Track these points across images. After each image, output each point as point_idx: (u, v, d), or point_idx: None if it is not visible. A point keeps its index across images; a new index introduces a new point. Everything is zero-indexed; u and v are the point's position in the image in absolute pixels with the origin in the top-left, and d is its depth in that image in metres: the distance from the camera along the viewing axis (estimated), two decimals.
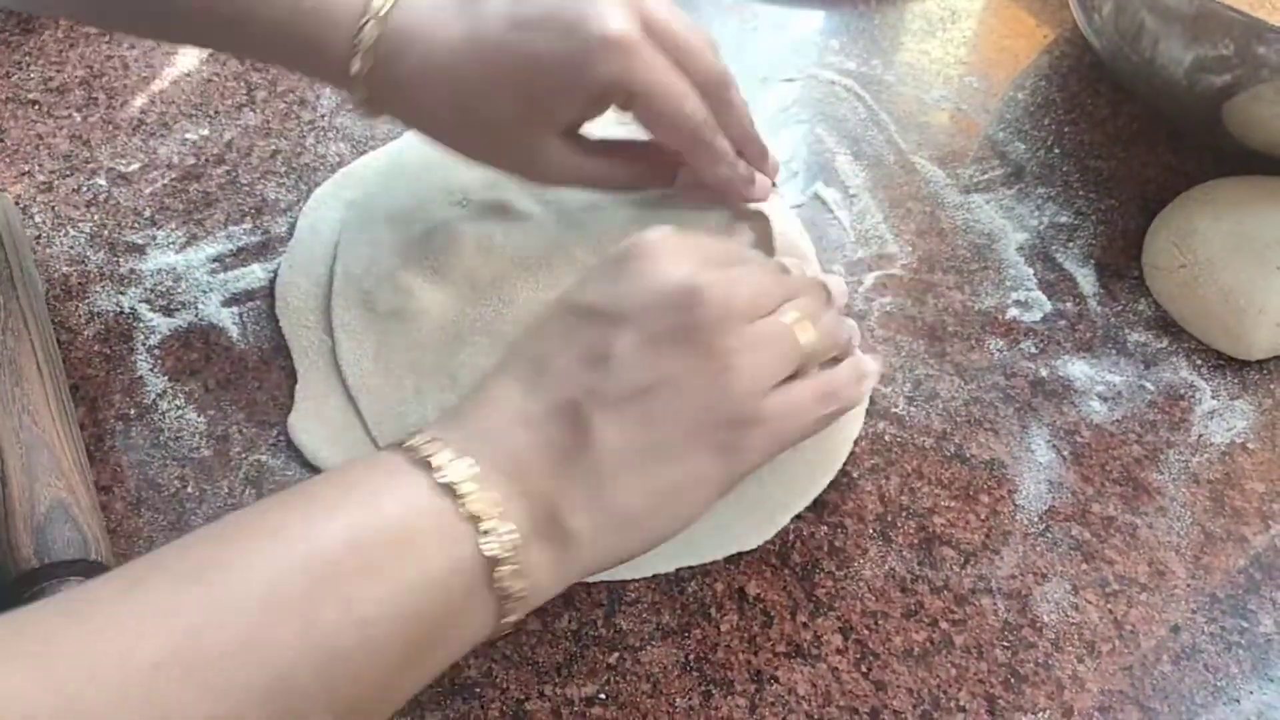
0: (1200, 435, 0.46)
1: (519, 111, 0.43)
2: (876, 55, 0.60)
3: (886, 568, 0.43)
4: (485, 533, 0.32)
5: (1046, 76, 0.59)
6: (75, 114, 0.57)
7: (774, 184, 0.48)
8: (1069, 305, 0.50)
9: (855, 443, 0.46)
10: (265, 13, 0.43)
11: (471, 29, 0.43)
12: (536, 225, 0.51)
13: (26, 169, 0.55)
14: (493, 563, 0.32)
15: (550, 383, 0.36)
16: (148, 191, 0.54)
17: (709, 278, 0.37)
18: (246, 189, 0.54)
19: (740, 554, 0.43)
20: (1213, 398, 0.47)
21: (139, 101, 0.58)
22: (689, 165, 0.47)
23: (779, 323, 0.38)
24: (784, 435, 0.38)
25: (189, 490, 0.45)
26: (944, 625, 0.41)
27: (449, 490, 0.32)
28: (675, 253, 0.38)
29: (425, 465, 0.33)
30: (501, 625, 0.33)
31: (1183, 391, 0.48)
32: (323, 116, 0.57)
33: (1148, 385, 0.48)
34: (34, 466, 0.42)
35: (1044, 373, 0.48)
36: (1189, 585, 0.43)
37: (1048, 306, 0.50)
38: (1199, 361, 0.48)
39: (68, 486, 0.42)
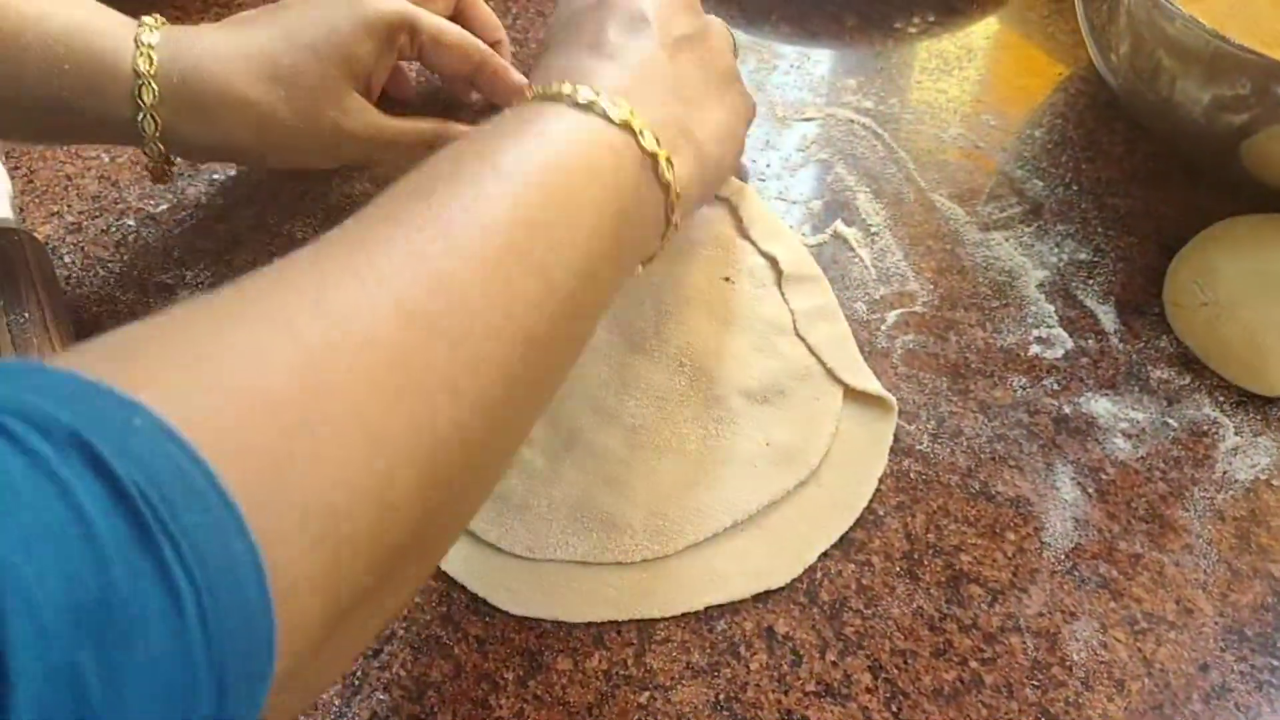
0: (1225, 472, 0.47)
1: (318, 74, 0.48)
2: (893, 94, 0.61)
3: (914, 606, 0.43)
4: (638, 132, 0.38)
5: (1062, 114, 0.60)
6: (103, 154, 0.58)
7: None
8: (1090, 342, 0.51)
9: (880, 480, 0.46)
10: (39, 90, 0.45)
11: (243, 22, 0.49)
12: None
13: (55, 209, 0.56)
14: (654, 158, 0.39)
15: (619, 48, 0.42)
16: (176, 232, 0.55)
17: None
18: (274, 229, 0.55)
19: (768, 592, 0.43)
20: (1236, 434, 0.48)
21: None
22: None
23: (715, 19, 0.49)
24: (748, 100, 0.49)
25: None
26: (973, 664, 0.42)
27: (602, 114, 0.38)
28: None
29: (574, 105, 0.38)
30: (671, 225, 0.42)
31: (1206, 428, 0.48)
32: None
33: (1171, 422, 0.48)
34: None
35: (1067, 410, 0.48)
36: (1217, 623, 0.43)
37: (1069, 343, 0.51)
38: (1221, 398, 0.49)
39: None
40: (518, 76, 0.55)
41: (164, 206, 0.56)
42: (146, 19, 0.47)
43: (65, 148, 0.58)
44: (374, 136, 0.50)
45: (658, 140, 0.39)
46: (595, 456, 0.46)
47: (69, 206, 0.56)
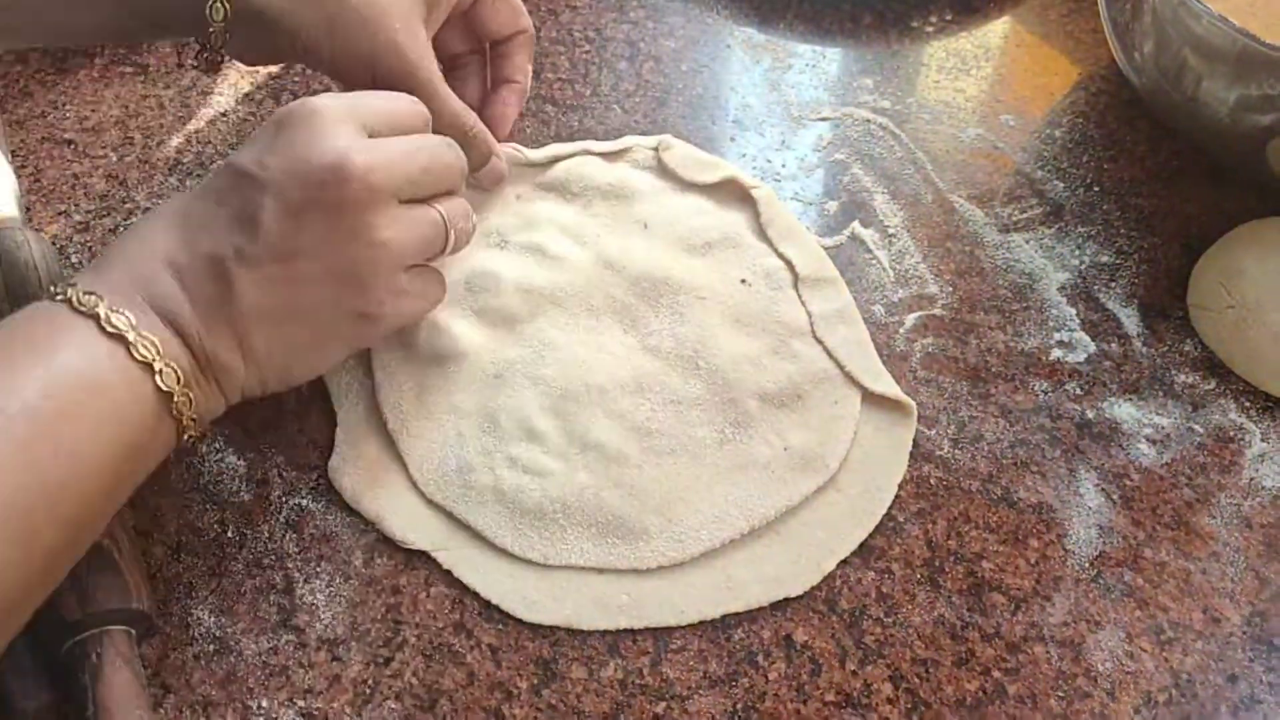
0: (1251, 479, 0.46)
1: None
2: (910, 93, 0.60)
3: (936, 614, 0.42)
4: (158, 372, 0.37)
5: (1083, 114, 0.59)
6: (111, 153, 0.58)
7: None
8: (1113, 346, 0.50)
9: (900, 486, 0.45)
10: None
11: None
12: (574, 266, 0.51)
13: (63, 209, 0.55)
14: (168, 395, 0.37)
15: (202, 237, 0.39)
16: None
17: (363, 154, 0.39)
18: None
19: (786, 600, 0.42)
20: (1263, 440, 0.47)
21: (175, 141, 0.58)
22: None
23: (428, 211, 0.42)
24: (414, 312, 0.45)
25: (229, 535, 0.44)
26: (996, 674, 0.41)
27: (118, 338, 0.36)
28: (334, 122, 0.40)
29: (90, 317, 0.36)
30: (186, 440, 0.39)
31: (1232, 434, 0.47)
32: None
33: (1196, 428, 0.47)
34: None
35: (1090, 415, 0.48)
36: (1245, 633, 0.42)
37: (1091, 347, 0.50)
38: (1248, 404, 0.48)
39: (109, 533, 0.42)
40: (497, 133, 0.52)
41: None
42: None
43: (72, 146, 0.58)
44: (422, 80, 0.47)
45: (179, 377, 0.37)
46: (609, 460, 0.45)
47: (76, 206, 0.55)
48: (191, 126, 0.59)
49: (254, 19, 0.46)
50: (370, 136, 0.41)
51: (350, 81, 0.47)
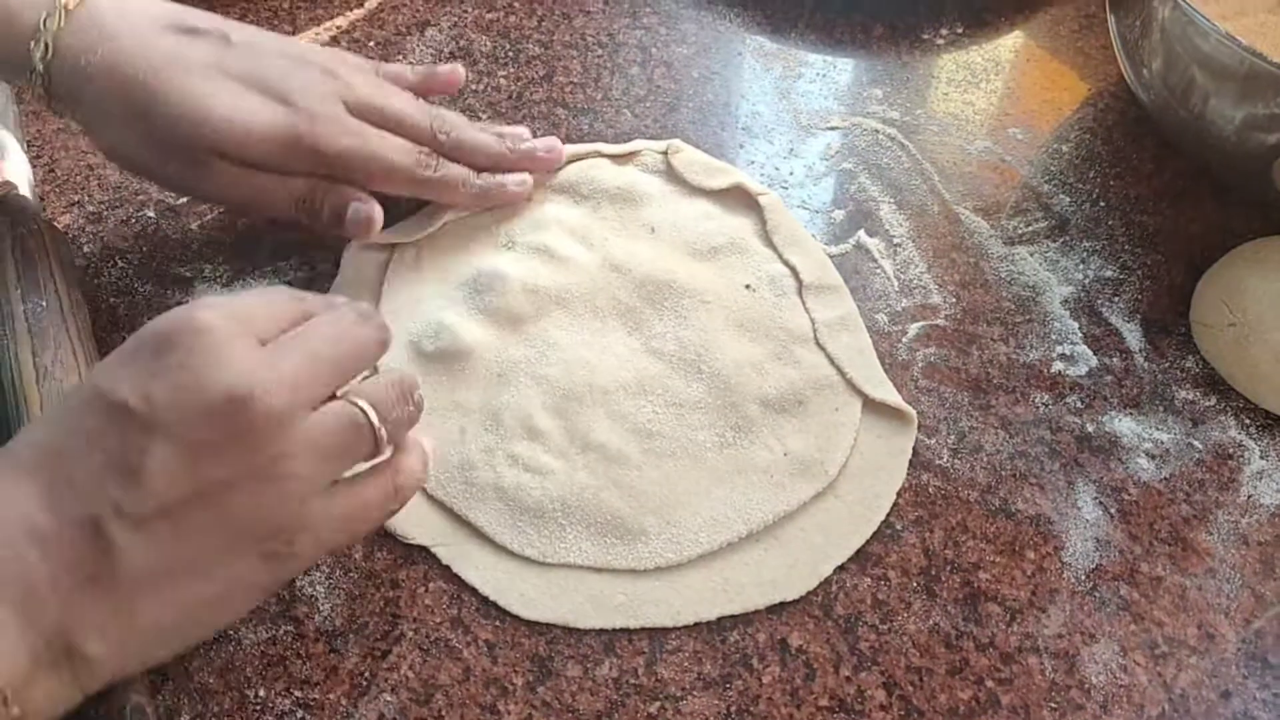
0: (1250, 496, 0.46)
1: (185, 145, 0.45)
2: (919, 105, 0.60)
3: (931, 622, 0.42)
4: None
5: (1091, 130, 0.59)
6: None
7: (546, 153, 0.54)
8: (1115, 360, 0.50)
9: (899, 494, 0.45)
10: None
11: (172, 51, 0.45)
12: (581, 267, 0.51)
13: (76, 199, 0.56)
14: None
15: (70, 494, 0.32)
16: (195, 225, 0.55)
17: (262, 379, 0.33)
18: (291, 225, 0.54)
19: (782, 604, 0.43)
20: (1262, 458, 0.47)
21: None
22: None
23: (345, 412, 0.36)
24: (340, 539, 0.37)
25: None
26: (990, 684, 0.41)
27: None
28: (227, 341, 0.34)
29: None
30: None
31: (1231, 451, 0.47)
32: None
33: (1196, 444, 0.47)
34: None
35: (1090, 428, 0.48)
36: (1239, 650, 0.42)
37: (1093, 361, 0.50)
38: (1248, 421, 0.48)
39: None
40: (470, 191, 0.51)
41: (185, 199, 0.56)
42: None
43: (85, 137, 0.58)
44: (235, 196, 0.48)
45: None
46: (609, 460, 0.45)
47: (90, 196, 0.56)
48: None
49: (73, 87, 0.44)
50: (265, 343, 0.35)
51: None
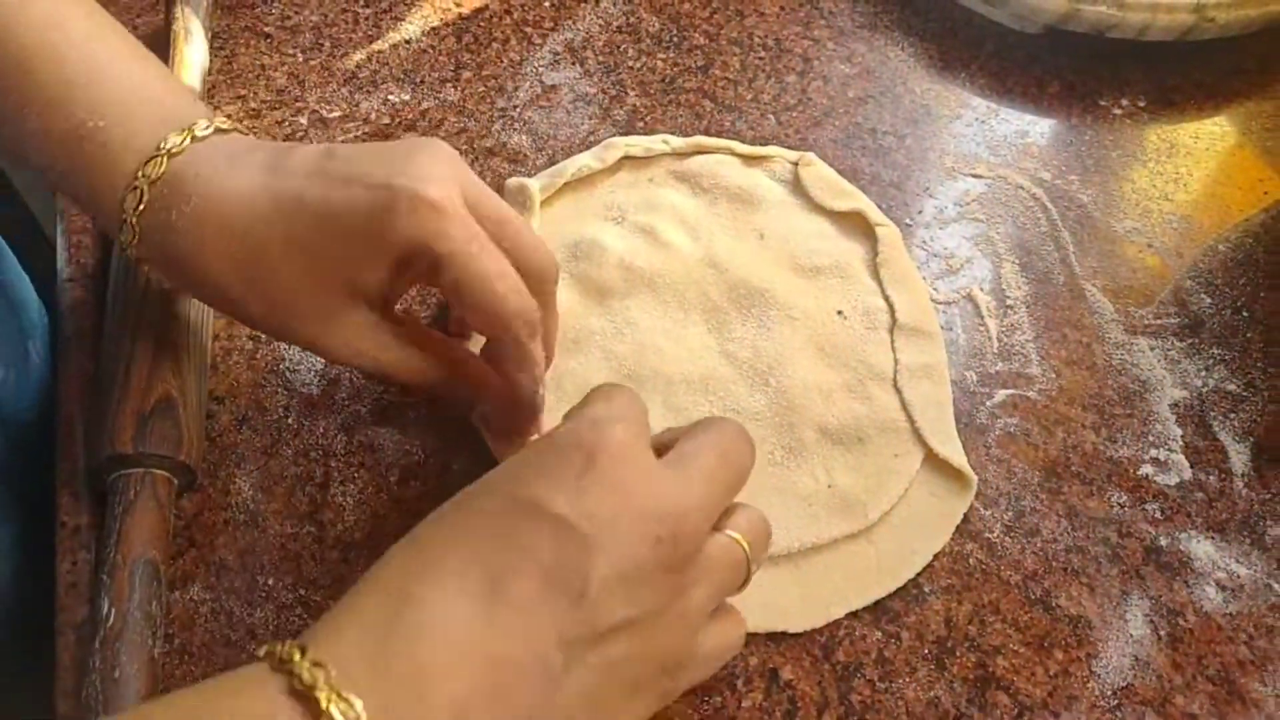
0: None
1: (310, 276, 0.38)
2: (1076, 171, 0.57)
3: (932, 694, 0.40)
4: None
5: (1255, 234, 0.55)
6: (299, 54, 0.61)
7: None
8: (1212, 479, 0.46)
9: (936, 557, 0.43)
10: (51, 125, 0.38)
11: (268, 181, 0.38)
12: (680, 256, 0.51)
13: (243, 94, 0.59)
14: None
15: (514, 614, 0.29)
16: (339, 139, 0.57)
17: (686, 503, 0.32)
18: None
19: (783, 634, 0.41)
20: None
21: (357, 56, 0.61)
22: (492, 383, 0.42)
23: (731, 545, 0.34)
24: (704, 675, 0.36)
25: (289, 421, 0.47)
26: None
27: None
28: (647, 465, 0.33)
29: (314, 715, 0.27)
30: None
31: None
32: (515, 107, 0.59)
33: (1276, 586, 0.43)
34: (160, 363, 0.45)
35: (1164, 542, 0.44)
36: None
37: (1187, 473, 0.46)
38: None
39: (180, 388, 0.44)
40: (532, 389, 0.41)
41: (337, 114, 0.58)
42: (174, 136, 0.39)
43: (269, 40, 0.62)
44: (361, 363, 0.40)
45: None
46: None
47: (255, 94, 0.59)
48: (375, 46, 0.62)
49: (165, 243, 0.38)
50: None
51: None
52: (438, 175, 0.37)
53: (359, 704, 0.27)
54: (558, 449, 0.33)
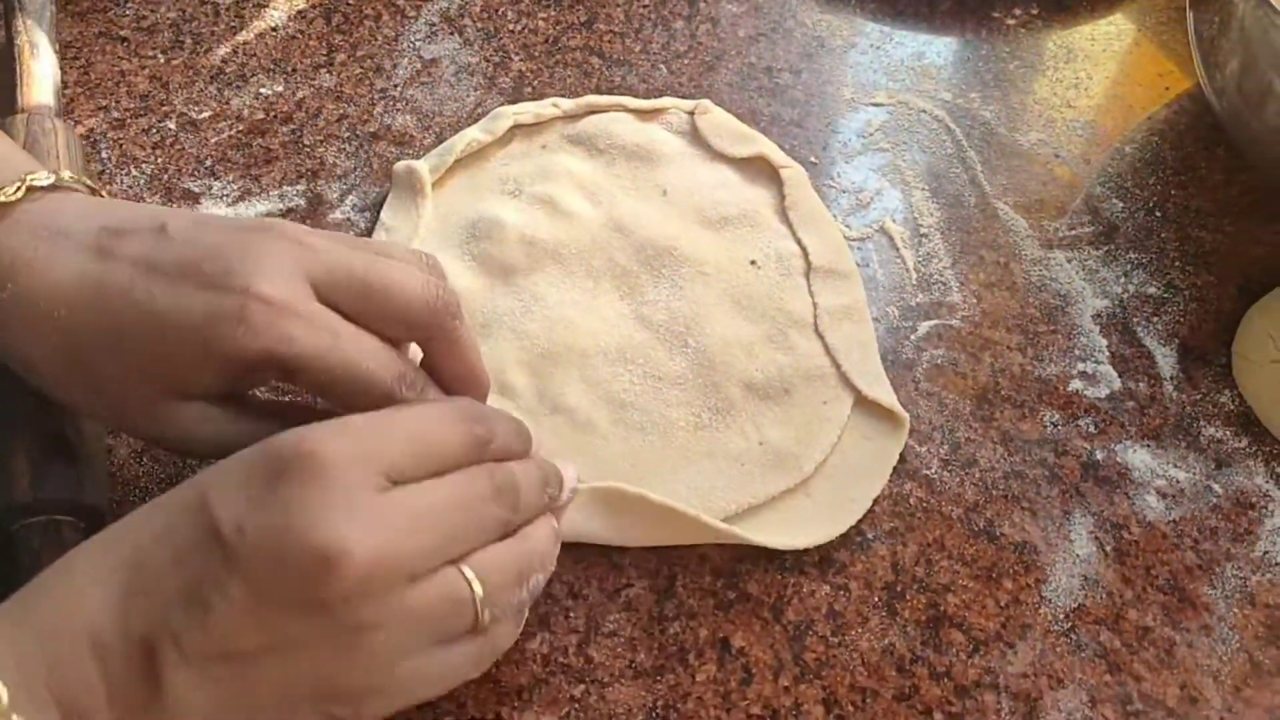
0: (1266, 552, 0.41)
1: (138, 374, 0.35)
2: (976, 88, 0.56)
3: (886, 642, 0.39)
4: None
5: (1160, 132, 0.54)
6: (160, 55, 0.58)
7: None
8: (1141, 386, 0.46)
9: (876, 501, 0.42)
10: None
11: (94, 268, 0.34)
12: (582, 223, 0.49)
13: (104, 104, 0.56)
14: None
15: (139, 609, 0.29)
16: (213, 141, 0.54)
17: (368, 538, 0.29)
18: (308, 150, 0.54)
19: (730, 601, 0.40)
20: None
21: (222, 50, 0.58)
22: None
23: (450, 585, 0.31)
24: (410, 702, 0.33)
25: None
26: (938, 716, 0.38)
27: None
28: (344, 488, 0.30)
29: None
30: None
31: (1254, 499, 0.43)
32: (395, 86, 0.56)
33: (1215, 487, 0.43)
34: (47, 402, 0.42)
35: (1100, 456, 0.44)
36: (1222, 718, 0.38)
37: (1117, 384, 0.46)
38: (1279, 469, 0.43)
39: (74, 426, 0.42)
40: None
41: (206, 114, 0.55)
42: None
43: (125, 44, 0.58)
44: (206, 450, 0.36)
45: None
46: (576, 427, 0.43)
47: (117, 103, 0.56)
48: (240, 38, 0.59)
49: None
50: (397, 482, 0.31)
51: None
52: (275, 269, 0.33)
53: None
54: (261, 455, 0.31)
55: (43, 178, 0.36)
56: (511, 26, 0.59)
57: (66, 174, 0.38)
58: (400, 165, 0.51)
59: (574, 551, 0.41)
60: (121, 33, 0.59)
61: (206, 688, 0.29)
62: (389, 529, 0.30)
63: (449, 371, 0.38)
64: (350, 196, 0.51)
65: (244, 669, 0.30)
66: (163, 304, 0.33)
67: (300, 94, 0.56)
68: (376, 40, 0.58)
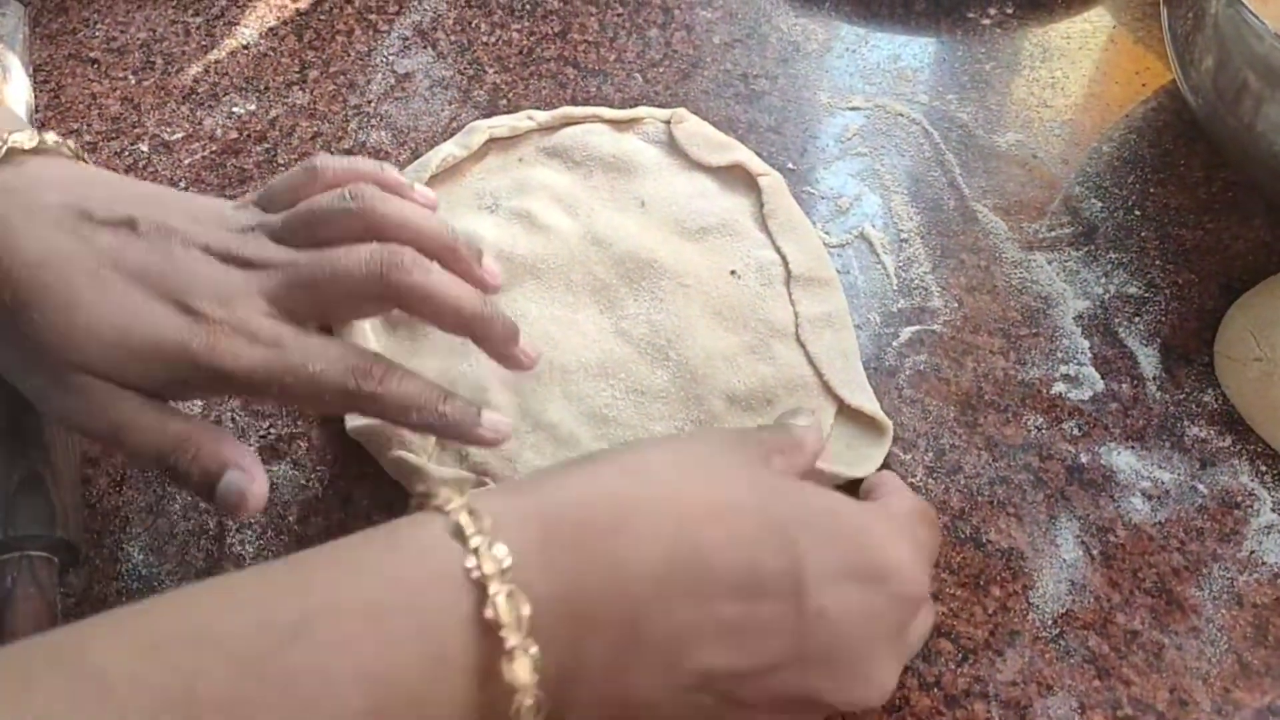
0: (1252, 552, 0.41)
1: (83, 351, 0.35)
2: (953, 90, 0.56)
3: None
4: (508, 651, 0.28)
5: (1138, 130, 0.54)
6: (131, 77, 0.57)
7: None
8: (1124, 387, 0.46)
9: None
10: None
11: (63, 246, 0.35)
12: (560, 238, 0.48)
13: (76, 128, 0.55)
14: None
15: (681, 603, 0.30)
16: (186, 162, 0.54)
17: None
18: (282, 169, 0.53)
19: None
20: (1273, 510, 0.42)
21: (194, 70, 0.58)
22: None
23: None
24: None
25: None
26: None
27: (479, 586, 0.28)
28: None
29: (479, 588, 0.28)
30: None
31: (1240, 499, 0.43)
32: (369, 102, 0.56)
33: (1200, 487, 0.43)
34: (15, 435, 0.41)
35: (1084, 459, 0.44)
36: None
37: (1099, 385, 0.46)
38: (1264, 468, 0.43)
39: (45, 458, 0.41)
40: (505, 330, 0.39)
41: (179, 135, 0.55)
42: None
43: (95, 65, 0.58)
44: (89, 430, 0.36)
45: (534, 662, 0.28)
46: (558, 442, 0.43)
47: (89, 126, 0.55)
48: (212, 56, 0.58)
49: None
50: None
51: None
52: (228, 292, 0.36)
53: (503, 549, 0.28)
54: (848, 550, 0.33)
55: (25, 139, 0.37)
56: (485, 39, 0.58)
57: (50, 137, 0.39)
58: None
59: None
60: (92, 54, 0.58)
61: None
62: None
63: (451, 319, 0.38)
64: None
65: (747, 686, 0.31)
66: (121, 299, 0.35)
67: (273, 112, 0.56)
68: (349, 56, 0.58)
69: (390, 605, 0.28)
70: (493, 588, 0.28)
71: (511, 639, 0.28)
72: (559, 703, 0.29)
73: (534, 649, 0.28)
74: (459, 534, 0.29)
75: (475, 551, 0.28)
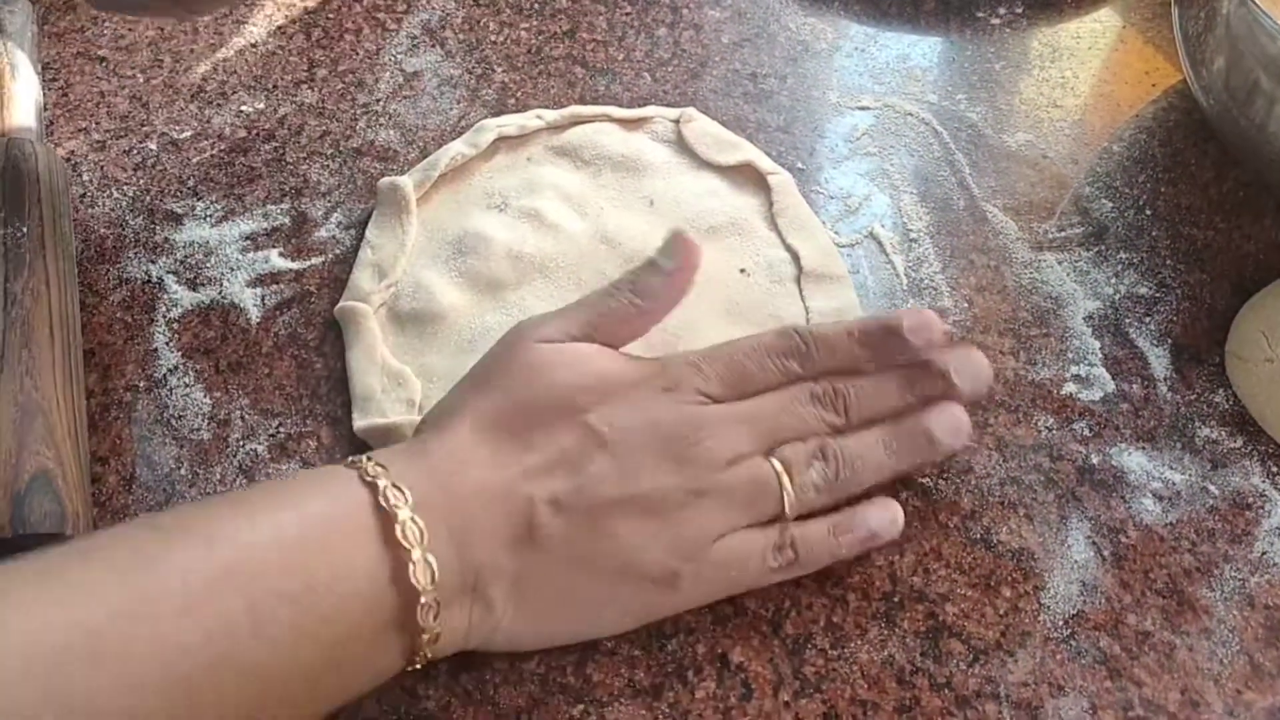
0: (1264, 553, 0.41)
1: None
2: (962, 89, 0.56)
3: (885, 653, 0.39)
4: (414, 563, 0.33)
5: (1149, 129, 0.54)
6: (139, 75, 0.57)
7: None
8: (1135, 387, 0.45)
9: None
10: None
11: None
12: (569, 237, 0.48)
13: (84, 126, 0.55)
14: (414, 595, 0.33)
15: (520, 465, 0.36)
16: (195, 160, 0.54)
17: (712, 428, 0.38)
18: (290, 168, 0.53)
19: (728, 616, 0.40)
20: None
21: (202, 68, 0.58)
22: None
23: (763, 470, 0.38)
24: (717, 587, 0.39)
25: (182, 471, 0.44)
26: None
27: (388, 515, 0.33)
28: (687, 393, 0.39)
29: (372, 488, 0.34)
30: (405, 663, 0.35)
31: (1251, 500, 0.43)
32: (377, 101, 0.56)
33: (1212, 488, 0.43)
34: (26, 433, 0.41)
35: (1095, 459, 0.44)
36: None
37: (1110, 386, 0.45)
38: (1275, 469, 0.43)
39: (56, 457, 0.41)
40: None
41: (188, 134, 0.55)
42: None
43: (104, 64, 0.58)
44: None
45: (433, 575, 0.33)
46: None
47: (97, 124, 0.55)
48: (221, 55, 0.58)
49: None
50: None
51: None
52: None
53: (409, 492, 0.34)
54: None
55: None
56: (494, 37, 0.58)
57: None
58: (384, 182, 0.50)
59: None
60: (100, 52, 0.58)
61: (568, 537, 0.36)
62: (729, 417, 0.39)
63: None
64: (335, 214, 0.51)
65: (599, 523, 0.36)
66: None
67: (282, 110, 0.56)
68: (358, 54, 0.58)
69: (312, 539, 0.33)
70: (401, 515, 0.33)
71: (415, 553, 0.33)
72: (484, 609, 0.35)
73: (431, 558, 0.33)
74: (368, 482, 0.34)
75: (383, 490, 0.34)
